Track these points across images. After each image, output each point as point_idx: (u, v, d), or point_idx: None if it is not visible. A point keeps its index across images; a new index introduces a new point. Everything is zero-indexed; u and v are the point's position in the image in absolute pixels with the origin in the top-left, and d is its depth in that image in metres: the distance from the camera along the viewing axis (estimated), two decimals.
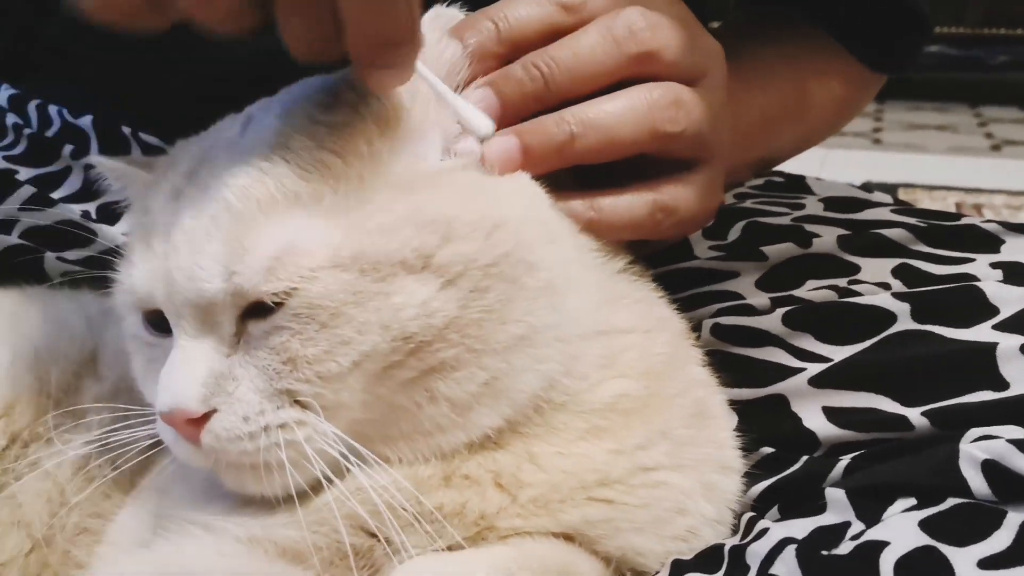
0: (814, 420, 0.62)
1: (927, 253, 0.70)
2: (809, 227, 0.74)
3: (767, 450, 0.63)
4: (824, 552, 0.52)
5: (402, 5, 0.49)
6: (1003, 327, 0.60)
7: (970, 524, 0.50)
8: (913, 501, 0.54)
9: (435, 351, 0.51)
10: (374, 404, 0.52)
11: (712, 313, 0.70)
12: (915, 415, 0.58)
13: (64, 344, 0.66)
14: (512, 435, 0.54)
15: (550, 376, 0.54)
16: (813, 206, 0.79)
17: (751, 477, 0.61)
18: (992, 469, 0.52)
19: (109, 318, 0.66)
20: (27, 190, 0.85)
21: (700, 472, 0.57)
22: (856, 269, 0.70)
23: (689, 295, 0.71)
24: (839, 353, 0.63)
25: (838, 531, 0.54)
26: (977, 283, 0.63)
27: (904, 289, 0.66)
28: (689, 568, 0.55)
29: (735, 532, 0.59)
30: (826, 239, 0.72)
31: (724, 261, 0.74)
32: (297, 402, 0.51)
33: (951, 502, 0.52)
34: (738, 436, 0.61)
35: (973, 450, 0.53)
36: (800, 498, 0.58)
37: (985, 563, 0.48)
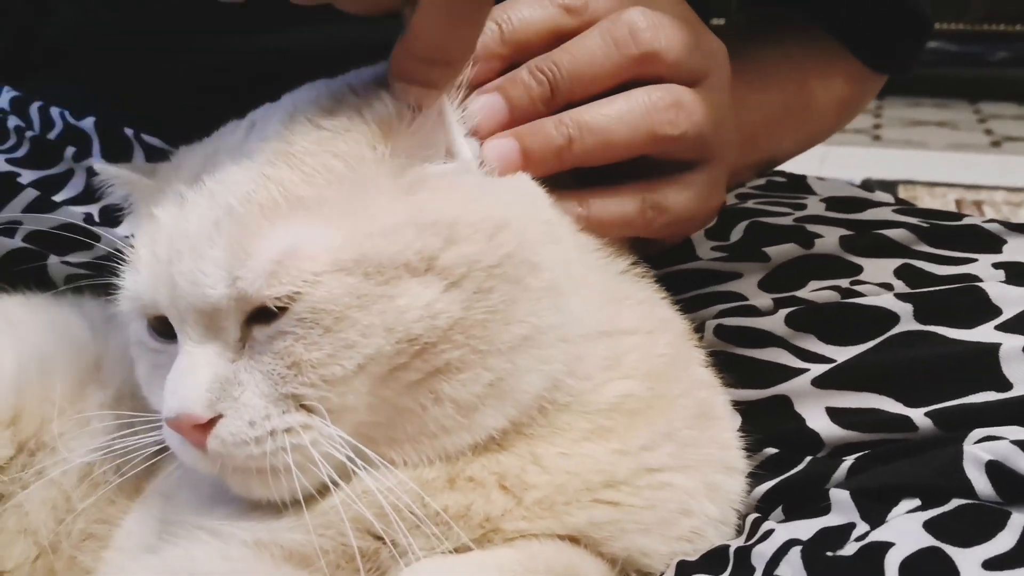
0: (817, 421, 0.62)
1: (929, 253, 0.70)
2: (811, 227, 0.74)
3: (771, 451, 0.63)
4: (829, 553, 0.52)
5: (475, 28, 0.51)
6: (1006, 327, 0.60)
7: (975, 525, 0.51)
8: (918, 502, 0.54)
9: (440, 352, 0.51)
10: (379, 407, 0.52)
11: (715, 314, 0.70)
12: (919, 416, 0.58)
13: (68, 351, 0.66)
14: (516, 436, 0.54)
15: (554, 376, 0.54)
16: (815, 206, 0.79)
17: (755, 478, 0.61)
18: (996, 470, 0.52)
19: (113, 324, 0.66)
20: (30, 193, 0.85)
21: (704, 473, 0.57)
22: (859, 270, 0.70)
23: (692, 296, 0.71)
24: (842, 354, 0.63)
25: (843, 532, 0.54)
26: (980, 284, 0.64)
27: (907, 290, 0.66)
28: (694, 569, 0.55)
29: (739, 533, 0.59)
30: (828, 240, 0.72)
31: (727, 262, 0.74)
32: (303, 406, 0.51)
33: (955, 503, 0.52)
34: (742, 437, 0.62)
35: (977, 451, 0.53)
36: (804, 499, 0.58)
37: (990, 564, 0.48)
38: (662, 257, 0.69)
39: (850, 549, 0.52)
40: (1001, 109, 3.82)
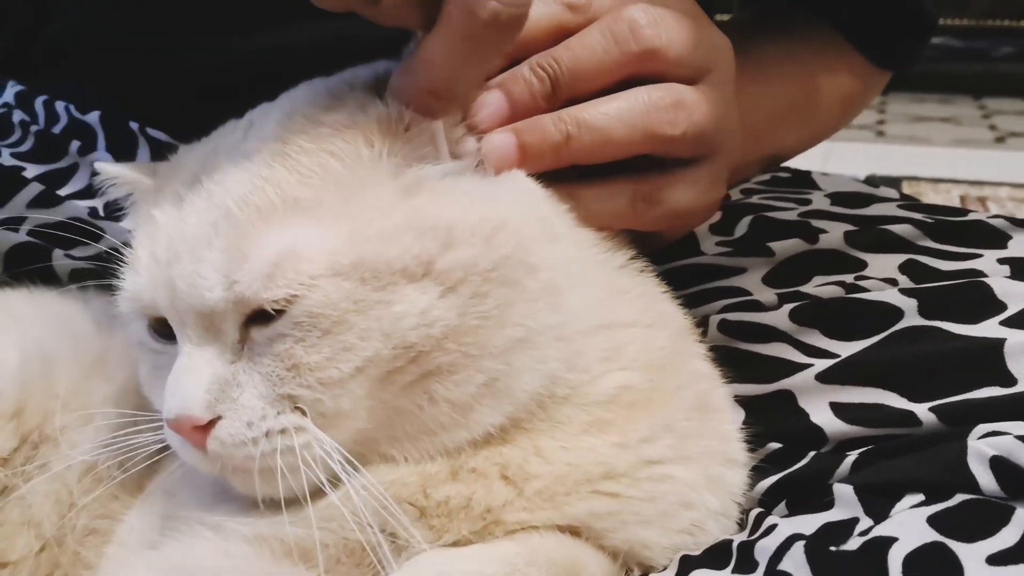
0: (821, 416, 0.62)
1: (934, 249, 0.70)
2: (816, 223, 0.74)
3: (774, 446, 0.63)
4: (832, 548, 0.52)
5: (485, 68, 0.53)
6: (1011, 323, 0.60)
7: (978, 520, 0.50)
8: (921, 497, 0.54)
9: (432, 358, 0.51)
10: (377, 408, 0.52)
11: (719, 309, 0.70)
12: (923, 411, 0.58)
13: (72, 346, 0.66)
14: (517, 431, 0.54)
15: (551, 374, 0.54)
16: (819, 201, 0.79)
17: (758, 472, 0.61)
18: (1000, 465, 0.52)
19: (117, 320, 0.67)
20: (34, 187, 0.85)
21: (705, 465, 0.57)
22: (863, 265, 0.70)
23: (696, 291, 0.71)
24: (846, 349, 0.63)
25: (846, 527, 0.54)
26: (984, 279, 0.63)
27: (911, 285, 0.66)
28: (697, 564, 0.55)
29: (742, 527, 0.59)
30: (833, 235, 0.72)
31: (731, 257, 0.74)
32: (298, 408, 0.51)
33: (959, 498, 0.52)
34: (745, 432, 0.62)
35: (981, 446, 0.53)
36: (808, 494, 0.58)
37: (994, 559, 0.48)
38: (666, 252, 0.70)
39: (853, 544, 0.52)
40: (1005, 105, 3.82)
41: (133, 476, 0.57)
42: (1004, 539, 0.49)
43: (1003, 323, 0.60)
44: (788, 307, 0.67)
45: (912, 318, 0.63)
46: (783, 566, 0.52)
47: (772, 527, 0.56)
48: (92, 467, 0.60)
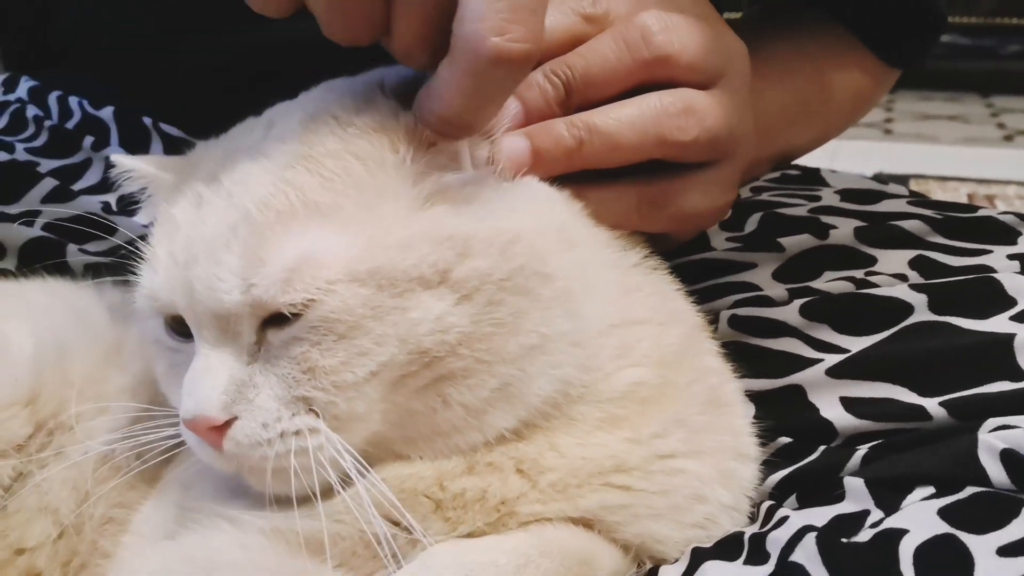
0: (831, 410, 0.62)
1: (944, 245, 0.70)
2: (826, 219, 0.74)
3: (785, 440, 0.63)
4: (844, 540, 0.52)
5: (497, 105, 0.54)
6: (1020, 318, 0.60)
7: (989, 512, 0.51)
8: (932, 490, 0.54)
9: (446, 363, 0.51)
10: (391, 411, 0.52)
11: (729, 304, 0.70)
12: (933, 405, 0.59)
13: (87, 334, 0.66)
14: (531, 429, 0.54)
15: (565, 379, 0.54)
16: (829, 198, 0.79)
17: (769, 466, 0.62)
18: (1010, 458, 0.53)
19: (131, 312, 0.67)
20: (49, 183, 0.85)
21: (717, 460, 0.58)
22: (873, 261, 0.70)
23: (706, 286, 0.71)
24: (856, 344, 0.64)
25: (857, 519, 0.54)
26: (994, 274, 0.64)
27: (921, 280, 0.66)
28: (709, 556, 0.55)
29: (753, 520, 0.60)
30: (843, 231, 0.73)
31: (741, 252, 0.74)
32: (312, 410, 0.51)
33: (970, 491, 0.53)
34: (756, 426, 0.62)
35: (992, 440, 0.53)
36: (818, 487, 0.59)
37: (1004, 551, 0.49)
38: (676, 248, 0.70)
39: (865, 536, 0.52)
40: (1013, 103, 3.81)
41: (150, 466, 0.58)
42: (1014, 531, 0.49)
43: (1013, 318, 0.61)
44: (798, 302, 0.67)
45: (922, 313, 0.63)
46: (795, 557, 0.52)
47: (783, 519, 0.56)
48: (108, 456, 0.60)
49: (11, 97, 0.96)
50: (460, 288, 0.51)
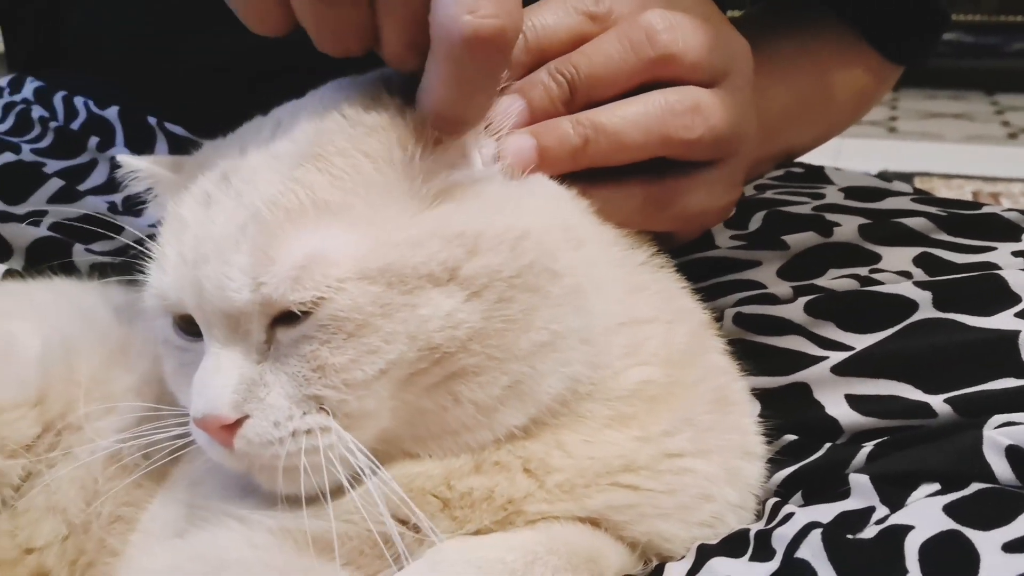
0: (837, 408, 0.62)
1: (948, 242, 0.70)
2: (830, 216, 0.75)
3: (790, 437, 0.63)
4: (849, 536, 0.52)
5: (488, 96, 0.54)
6: None
7: (994, 509, 0.51)
8: (937, 486, 0.54)
9: (457, 360, 0.51)
10: (401, 409, 0.52)
11: (734, 302, 0.70)
12: (938, 402, 0.59)
13: (94, 334, 0.66)
14: (540, 426, 0.54)
15: (575, 376, 0.54)
16: (833, 195, 0.79)
17: (774, 464, 0.62)
18: (1016, 455, 0.53)
19: (138, 311, 0.67)
20: (55, 183, 0.86)
21: (724, 458, 0.58)
22: (877, 258, 0.70)
23: (711, 284, 0.71)
24: (861, 341, 0.64)
25: (863, 515, 0.54)
26: (999, 271, 0.64)
27: (926, 278, 0.66)
28: (715, 552, 0.55)
29: (759, 518, 0.60)
30: (847, 228, 0.73)
31: (746, 250, 0.74)
32: (323, 408, 0.51)
33: (975, 487, 0.53)
34: (761, 424, 0.62)
35: (996, 436, 0.53)
36: (824, 484, 0.59)
37: (1009, 547, 0.49)
38: (681, 246, 0.70)
39: (870, 532, 0.52)
40: (1018, 101, 3.80)
41: (158, 465, 0.58)
42: (1019, 527, 0.49)
43: (1018, 315, 0.61)
44: (803, 300, 0.67)
45: (927, 310, 0.63)
46: (800, 554, 0.52)
47: (789, 515, 0.56)
48: (116, 455, 0.60)
49: (17, 98, 0.96)
50: (470, 285, 0.51)
